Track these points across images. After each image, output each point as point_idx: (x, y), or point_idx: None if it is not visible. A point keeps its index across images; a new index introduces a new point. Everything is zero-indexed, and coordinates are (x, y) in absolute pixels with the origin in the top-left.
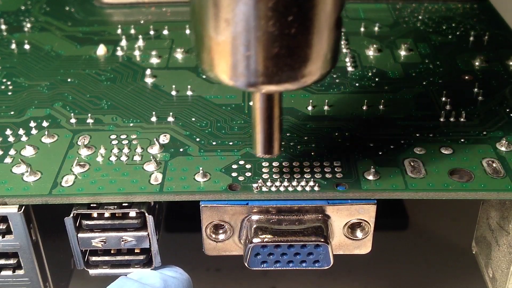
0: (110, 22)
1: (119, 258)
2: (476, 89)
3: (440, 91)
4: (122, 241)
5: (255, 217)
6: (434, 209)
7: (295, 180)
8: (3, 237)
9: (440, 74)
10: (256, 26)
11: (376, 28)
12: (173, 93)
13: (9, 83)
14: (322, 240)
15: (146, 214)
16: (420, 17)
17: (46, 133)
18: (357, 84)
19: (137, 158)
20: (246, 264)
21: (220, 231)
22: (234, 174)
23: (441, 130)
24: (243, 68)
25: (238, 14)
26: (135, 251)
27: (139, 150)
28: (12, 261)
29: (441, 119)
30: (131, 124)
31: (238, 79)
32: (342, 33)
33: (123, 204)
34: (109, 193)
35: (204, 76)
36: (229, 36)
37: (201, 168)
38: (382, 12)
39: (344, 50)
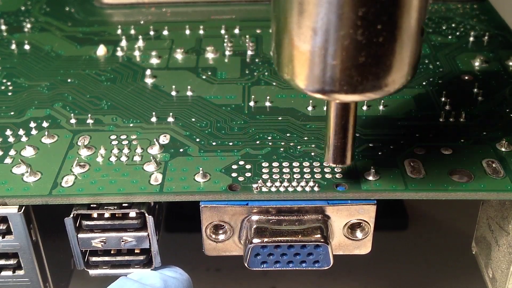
0: (110, 23)
1: (119, 258)
2: (476, 89)
3: (440, 91)
4: (122, 241)
5: (255, 218)
6: (434, 209)
7: (295, 180)
8: (3, 237)
9: (440, 74)
10: (344, 35)
11: None
12: (173, 93)
13: (9, 83)
14: (322, 240)
15: (146, 214)
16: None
17: (46, 133)
18: None
19: (137, 158)
20: (246, 265)
21: (220, 232)
22: (234, 175)
23: (441, 130)
24: (326, 77)
25: (325, 23)
26: (135, 251)
27: (139, 150)
28: (12, 262)
29: (441, 119)
30: (131, 125)
31: (320, 88)
32: None
33: (123, 205)
34: (109, 193)
35: (204, 77)
36: (314, 45)
37: (201, 169)
38: None
39: None
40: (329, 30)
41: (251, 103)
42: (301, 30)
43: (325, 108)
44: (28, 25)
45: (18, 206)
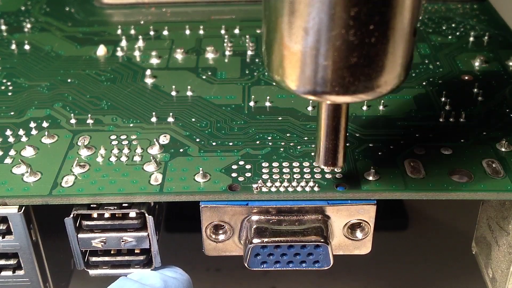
0: (110, 23)
1: (119, 258)
2: (476, 89)
3: (440, 91)
4: (122, 241)
5: (255, 218)
6: (434, 209)
7: (295, 180)
8: (3, 237)
9: (440, 74)
10: (336, 36)
11: None
12: (173, 93)
13: (9, 83)
14: (322, 240)
15: (146, 214)
16: (420, 17)
17: (46, 133)
18: None
19: (137, 158)
20: (246, 265)
21: (220, 232)
22: (234, 175)
23: (441, 130)
24: (318, 78)
25: (317, 23)
26: (135, 251)
27: (139, 150)
28: (12, 262)
29: (441, 120)
30: (131, 125)
31: (311, 88)
32: None
33: (123, 205)
34: (109, 193)
35: (204, 77)
36: (306, 45)
37: (201, 169)
38: None
39: None
40: (320, 30)
41: (251, 103)
42: (292, 30)
43: None
44: (28, 25)
45: (18, 206)
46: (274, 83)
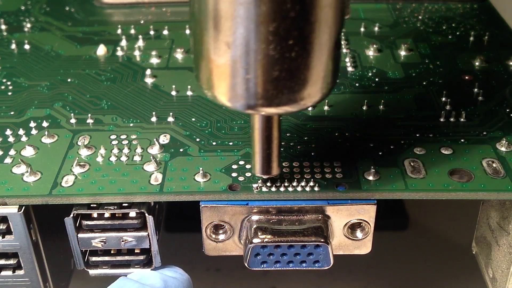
0: (110, 22)
1: (119, 258)
2: (476, 89)
3: (440, 91)
4: (122, 241)
5: (255, 217)
6: (434, 209)
7: (295, 180)
8: (3, 237)
9: (440, 74)
10: (257, 50)
11: (376, 28)
12: (173, 93)
13: (9, 83)
14: (322, 240)
15: (146, 214)
16: (420, 17)
17: (46, 133)
18: (357, 84)
19: (137, 158)
20: (246, 264)
21: (220, 231)
22: (234, 174)
23: (441, 130)
24: (242, 91)
25: (238, 38)
26: (135, 251)
27: (139, 150)
28: (12, 261)
29: (441, 119)
30: (131, 124)
31: (238, 101)
32: (342, 33)
33: (123, 205)
34: (109, 193)
35: None
36: (229, 59)
37: (201, 168)
38: (382, 12)
39: (344, 50)
40: (242, 44)
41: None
42: (217, 44)
43: (324, 108)
44: (28, 25)
45: (18, 206)
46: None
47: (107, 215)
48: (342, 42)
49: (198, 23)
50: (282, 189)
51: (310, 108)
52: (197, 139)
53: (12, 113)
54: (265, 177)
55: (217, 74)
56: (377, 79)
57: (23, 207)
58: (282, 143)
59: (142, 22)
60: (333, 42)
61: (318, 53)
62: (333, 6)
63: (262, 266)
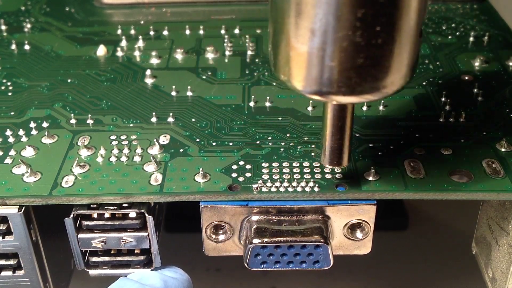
0: (110, 23)
1: (119, 258)
2: (476, 89)
3: (440, 91)
4: (122, 241)
5: (255, 218)
6: (434, 209)
7: (295, 180)
8: (3, 237)
9: (440, 74)
10: (343, 37)
11: None
12: (173, 93)
13: (9, 83)
14: (322, 240)
15: (146, 214)
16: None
17: (46, 133)
18: None
19: (137, 158)
20: (246, 265)
21: (220, 232)
22: (234, 175)
23: (441, 130)
24: (325, 79)
25: (324, 24)
26: (135, 251)
27: (139, 150)
28: (12, 262)
29: (441, 120)
30: (131, 125)
31: (319, 89)
32: None
33: (123, 205)
34: (109, 193)
35: (204, 77)
36: (314, 46)
37: (201, 169)
38: None
39: None
40: (327, 31)
41: (251, 103)
42: (299, 31)
43: None
44: (28, 25)
45: (18, 206)
46: (279, 83)
47: (107, 215)
48: None
49: (280, 10)
50: (282, 189)
51: (310, 108)
52: (197, 140)
53: (12, 113)
54: (335, 168)
55: (297, 61)
56: None
57: (23, 208)
58: (282, 143)
59: (142, 22)
60: (419, 29)
61: (404, 40)
62: None
63: (262, 266)
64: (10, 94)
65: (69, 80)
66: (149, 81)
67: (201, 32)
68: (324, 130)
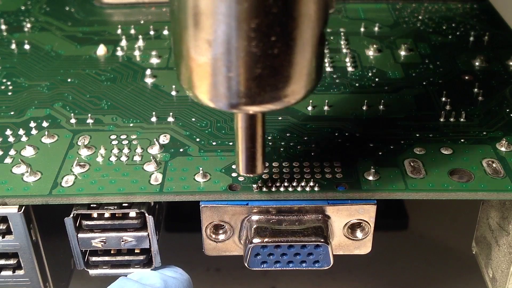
0: (110, 22)
1: (119, 258)
2: (476, 89)
3: (440, 91)
4: (122, 241)
5: (255, 217)
6: (434, 209)
7: (295, 180)
8: (3, 237)
9: (440, 74)
10: (239, 47)
11: (376, 28)
12: (173, 93)
13: (9, 83)
14: (322, 240)
15: (146, 214)
16: (420, 17)
17: (46, 133)
18: (357, 84)
19: (137, 158)
20: (246, 264)
21: (220, 231)
22: (234, 174)
23: (441, 130)
24: (224, 90)
25: (220, 35)
26: (135, 251)
27: (139, 150)
28: (12, 261)
29: (441, 119)
30: (131, 124)
31: (220, 100)
32: (342, 33)
33: (123, 204)
34: (109, 193)
35: None
36: (211, 57)
37: (201, 168)
38: (382, 12)
39: (344, 50)
40: (224, 42)
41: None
42: (197, 42)
43: (324, 108)
44: (28, 25)
45: (18, 206)
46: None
47: (107, 215)
48: (342, 42)
49: (178, 21)
50: (282, 189)
51: (310, 108)
52: (197, 139)
53: (12, 113)
54: (249, 176)
55: (198, 73)
56: (377, 79)
57: (23, 207)
58: (282, 143)
59: (142, 22)
60: (317, 38)
61: (301, 49)
62: (317, 0)
63: (262, 266)
64: (10, 93)
65: (69, 80)
66: (149, 80)
67: None
68: (236, 138)
